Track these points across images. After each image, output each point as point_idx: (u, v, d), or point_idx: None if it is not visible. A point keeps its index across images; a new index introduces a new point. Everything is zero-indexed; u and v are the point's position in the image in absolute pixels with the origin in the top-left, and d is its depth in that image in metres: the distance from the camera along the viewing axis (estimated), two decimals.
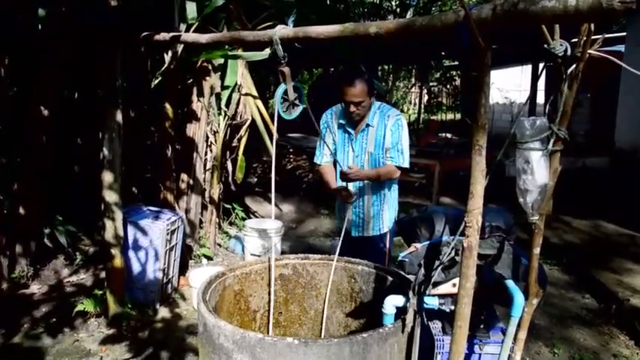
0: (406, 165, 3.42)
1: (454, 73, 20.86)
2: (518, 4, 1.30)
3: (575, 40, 1.60)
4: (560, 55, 1.52)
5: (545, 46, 1.53)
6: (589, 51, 1.53)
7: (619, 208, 7.09)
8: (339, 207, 3.74)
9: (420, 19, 1.64)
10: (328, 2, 11.23)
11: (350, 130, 3.43)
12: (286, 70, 2.33)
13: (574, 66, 1.56)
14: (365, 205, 3.52)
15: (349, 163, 3.38)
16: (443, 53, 13.30)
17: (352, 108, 3.24)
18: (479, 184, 1.51)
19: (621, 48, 9.31)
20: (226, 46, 4.45)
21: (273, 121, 2.53)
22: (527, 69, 14.79)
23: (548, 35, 1.52)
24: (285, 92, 2.41)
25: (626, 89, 9.47)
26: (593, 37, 1.56)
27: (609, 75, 8.82)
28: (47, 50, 4.24)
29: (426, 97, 19.24)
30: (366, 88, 3.20)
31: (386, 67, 16.35)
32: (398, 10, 14.65)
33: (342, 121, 3.45)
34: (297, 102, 2.47)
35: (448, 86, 22.35)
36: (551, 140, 1.61)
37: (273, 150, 2.55)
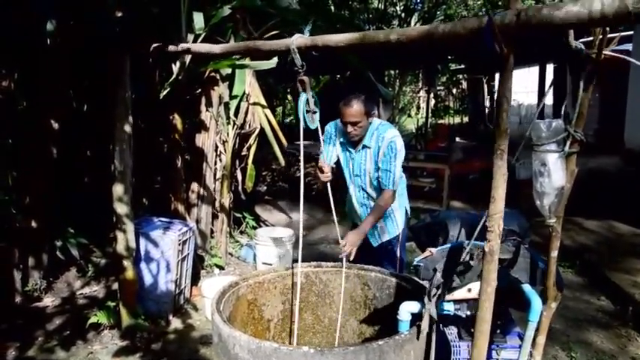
0: (390, 187, 3.32)
1: (460, 76, 20.85)
2: (542, 9, 1.29)
3: (583, 39, 1.58)
4: (584, 56, 1.51)
5: (574, 46, 1.51)
6: (604, 52, 1.51)
7: (631, 208, 7.03)
8: (349, 213, 3.75)
9: (442, 25, 1.64)
10: (333, 9, 11.28)
11: (350, 149, 3.49)
12: (306, 79, 2.34)
13: (589, 67, 1.54)
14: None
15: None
16: (449, 57, 13.27)
17: (349, 128, 3.29)
18: (500, 188, 1.50)
19: (629, 47, 9.27)
20: (234, 56, 4.46)
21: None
22: (534, 70, 14.72)
23: (572, 38, 1.51)
24: (306, 102, 2.42)
25: (635, 88, 9.42)
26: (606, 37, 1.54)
27: (617, 74, 8.78)
28: (56, 63, 4.26)
29: (433, 101, 19.20)
30: (362, 108, 3.24)
31: (392, 72, 16.34)
32: (402, 15, 14.66)
33: (342, 140, 3.50)
34: (314, 110, 2.48)
35: (455, 90, 22.35)
36: (568, 142, 1.59)
37: (302, 158, 2.55)
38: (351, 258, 3.06)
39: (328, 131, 3.57)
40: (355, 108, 3.23)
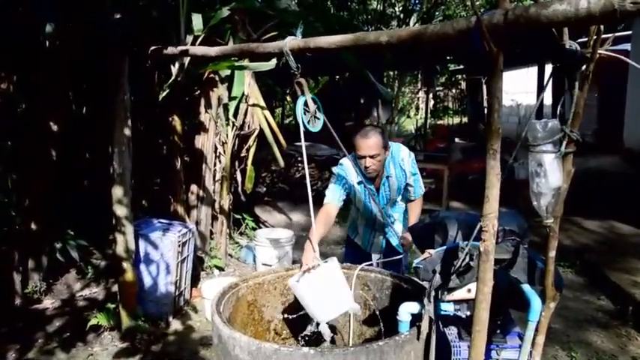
0: (420, 195, 3.47)
1: (459, 77, 20.88)
2: (529, 8, 1.30)
3: (581, 39, 1.59)
4: (578, 55, 1.51)
5: (567, 46, 1.52)
6: (599, 51, 1.52)
7: (631, 207, 7.04)
8: (364, 235, 3.68)
9: (431, 26, 1.64)
10: (332, 11, 11.29)
11: (370, 186, 3.30)
12: (303, 81, 2.31)
13: (584, 67, 1.55)
14: (394, 227, 3.51)
15: (403, 235, 3.39)
16: (448, 57, 13.29)
17: (368, 162, 3.10)
18: (494, 187, 1.50)
19: (627, 46, 9.28)
20: (233, 57, 4.46)
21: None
22: (533, 71, 14.73)
23: (558, 37, 1.51)
24: (305, 104, 2.38)
25: (634, 88, 9.43)
26: (602, 36, 1.55)
27: (616, 74, 8.79)
28: (55, 65, 4.27)
29: (432, 102, 19.21)
30: (380, 140, 3.08)
31: (391, 73, 16.37)
32: (401, 16, 14.69)
33: (360, 179, 3.26)
34: (316, 114, 2.45)
35: (454, 90, 22.38)
36: (564, 142, 1.60)
37: (305, 162, 2.53)
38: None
39: (339, 175, 3.31)
40: (373, 140, 3.05)
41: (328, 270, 2.44)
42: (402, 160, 3.30)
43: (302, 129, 2.38)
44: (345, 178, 3.30)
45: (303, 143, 2.39)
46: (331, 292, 2.39)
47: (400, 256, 3.34)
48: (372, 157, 3.09)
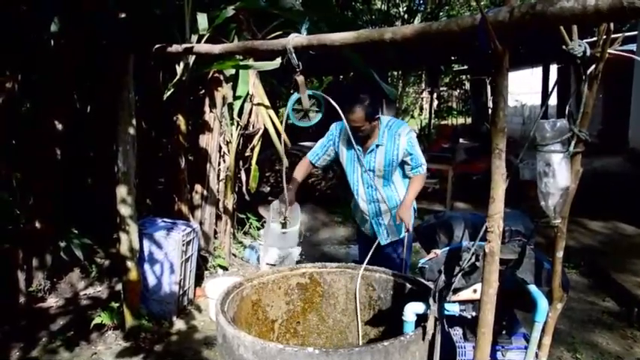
0: (421, 171, 3.47)
1: (463, 77, 20.83)
2: (535, 5, 1.28)
3: (589, 39, 1.58)
4: (579, 55, 1.50)
5: (564, 47, 1.51)
6: (608, 50, 1.50)
7: (636, 208, 7.00)
8: (355, 211, 3.76)
9: (436, 23, 1.63)
10: (337, 10, 11.27)
11: (358, 148, 3.37)
12: (300, 78, 2.32)
13: (593, 66, 1.54)
14: (382, 213, 3.51)
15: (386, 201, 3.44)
16: (452, 57, 13.27)
17: (353, 129, 3.20)
18: (499, 188, 1.49)
19: (633, 47, 9.25)
20: (237, 57, 4.46)
21: (285, 129, 2.66)
22: (538, 71, 14.70)
23: (566, 36, 1.50)
24: (299, 100, 2.41)
25: (639, 89, 9.39)
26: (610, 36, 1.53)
27: (621, 74, 8.76)
28: (59, 64, 4.27)
29: (436, 102, 19.18)
30: (363, 114, 3.15)
31: (395, 73, 16.34)
32: (405, 16, 14.67)
33: (350, 140, 3.33)
34: (313, 109, 2.48)
35: (458, 90, 22.33)
36: (572, 142, 1.59)
37: (283, 159, 2.56)
38: (410, 229, 3.31)
39: (332, 134, 3.52)
40: (357, 114, 3.14)
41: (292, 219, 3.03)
42: (399, 136, 3.33)
43: (283, 124, 2.51)
44: (335, 140, 3.50)
45: (283, 137, 2.42)
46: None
47: (403, 235, 3.44)
48: (354, 128, 3.20)
